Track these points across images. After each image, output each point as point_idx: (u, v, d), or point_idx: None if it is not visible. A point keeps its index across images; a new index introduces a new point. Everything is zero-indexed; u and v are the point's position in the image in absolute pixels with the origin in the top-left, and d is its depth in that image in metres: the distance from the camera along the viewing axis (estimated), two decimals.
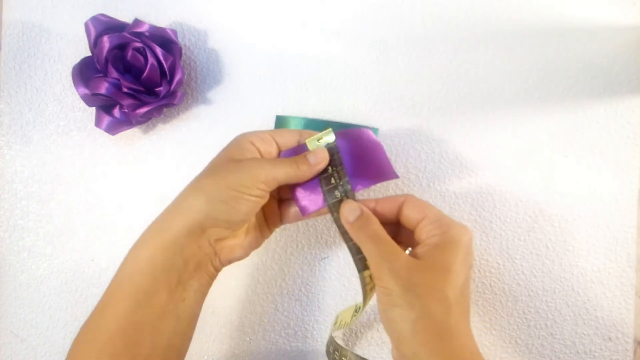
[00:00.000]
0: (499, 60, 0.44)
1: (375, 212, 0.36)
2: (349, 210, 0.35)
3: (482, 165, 0.44)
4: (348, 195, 0.36)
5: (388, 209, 0.36)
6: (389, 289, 0.32)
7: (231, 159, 0.35)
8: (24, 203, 0.46)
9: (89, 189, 0.46)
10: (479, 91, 0.45)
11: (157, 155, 0.46)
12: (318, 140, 0.37)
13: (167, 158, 0.46)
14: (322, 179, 0.36)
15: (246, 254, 0.38)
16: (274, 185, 0.35)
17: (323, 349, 0.45)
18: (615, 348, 0.43)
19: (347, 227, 0.35)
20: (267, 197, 0.35)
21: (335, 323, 0.42)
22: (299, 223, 0.45)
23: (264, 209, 0.38)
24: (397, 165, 0.45)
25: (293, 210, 0.39)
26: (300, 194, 0.37)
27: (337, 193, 0.36)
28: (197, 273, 0.35)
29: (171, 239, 0.33)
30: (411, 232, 0.36)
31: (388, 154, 0.45)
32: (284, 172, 0.35)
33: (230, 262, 0.37)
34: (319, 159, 0.36)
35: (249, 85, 0.45)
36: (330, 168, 0.36)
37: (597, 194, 0.44)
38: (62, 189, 0.46)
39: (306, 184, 0.37)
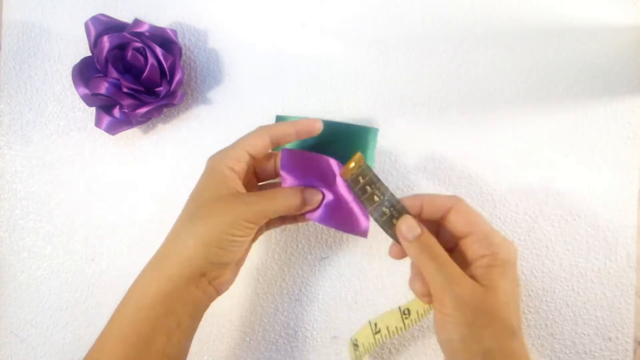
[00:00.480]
0: (499, 60, 0.44)
1: (421, 216, 0.35)
2: (407, 228, 0.34)
3: (482, 165, 0.44)
4: (397, 208, 0.35)
5: (433, 213, 0.35)
6: (451, 316, 0.31)
7: (219, 197, 0.34)
8: (24, 203, 0.46)
9: (89, 189, 0.46)
10: (479, 91, 0.45)
11: (157, 155, 0.46)
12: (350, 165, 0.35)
13: (167, 158, 0.46)
14: (364, 200, 0.35)
15: (236, 275, 0.39)
16: (264, 221, 0.35)
17: (323, 349, 0.45)
18: (615, 348, 0.43)
19: (404, 244, 0.34)
20: (257, 229, 0.35)
21: (356, 350, 0.40)
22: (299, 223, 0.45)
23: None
24: (397, 165, 0.45)
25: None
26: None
27: (385, 209, 0.35)
28: (195, 311, 0.35)
29: (171, 286, 0.33)
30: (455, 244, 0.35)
31: (388, 154, 0.45)
32: (276, 210, 0.35)
33: (225, 290, 0.38)
34: (314, 202, 0.36)
35: (249, 85, 0.45)
36: (369, 187, 0.35)
37: (597, 194, 0.44)
38: (62, 189, 0.46)
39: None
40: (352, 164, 0.35)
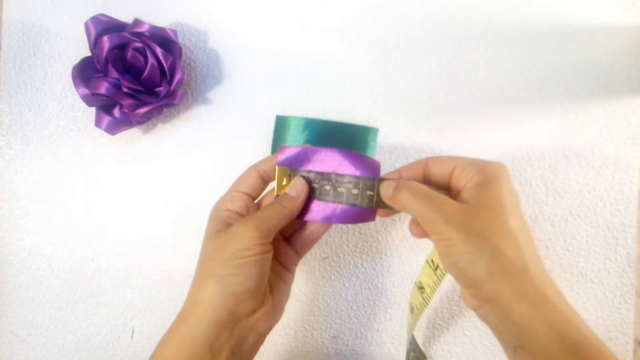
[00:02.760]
0: (499, 60, 0.44)
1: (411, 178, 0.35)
2: (385, 189, 0.34)
3: None
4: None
5: (414, 174, 0.35)
6: (450, 239, 0.31)
7: (218, 233, 0.34)
8: (24, 203, 0.46)
9: (89, 189, 0.46)
10: (479, 91, 0.45)
11: (157, 155, 0.46)
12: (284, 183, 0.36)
13: (167, 158, 0.46)
14: (318, 196, 0.36)
15: (281, 314, 0.36)
16: (270, 234, 0.34)
17: (323, 349, 0.45)
18: (615, 348, 0.43)
19: (391, 203, 0.34)
20: (270, 249, 0.34)
21: (423, 292, 0.39)
22: None
23: (276, 257, 0.36)
24: (397, 165, 0.45)
25: (305, 235, 0.38)
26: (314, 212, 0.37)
27: (352, 189, 0.35)
28: (234, 358, 0.33)
29: (196, 334, 0.32)
30: (447, 190, 0.35)
31: (388, 154, 0.45)
32: (272, 217, 0.34)
33: (269, 329, 0.35)
34: (299, 189, 0.35)
35: (249, 85, 0.45)
36: (318, 184, 0.36)
37: (597, 194, 0.44)
38: (62, 189, 0.46)
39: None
40: (284, 181, 0.36)
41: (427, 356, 0.39)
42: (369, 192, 0.35)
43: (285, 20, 0.45)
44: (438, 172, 0.34)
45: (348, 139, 0.44)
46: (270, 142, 0.45)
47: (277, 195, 0.36)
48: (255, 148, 0.45)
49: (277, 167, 0.36)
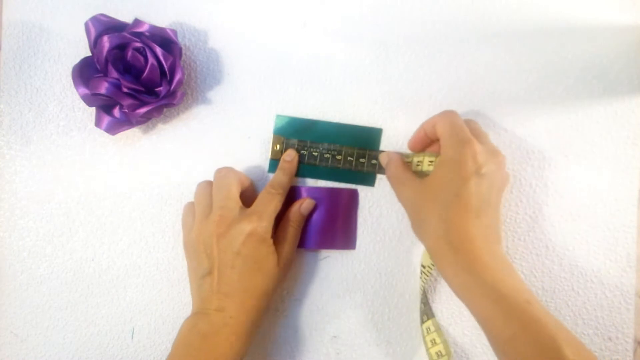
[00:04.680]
0: (499, 60, 0.44)
1: (425, 136, 0.41)
2: (382, 159, 0.44)
3: None
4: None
5: (430, 130, 0.41)
6: (405, 208, 0.41)
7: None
8: (24, 203, 0.46)
9: (89, 189, 0.46)
10: (479, 91, 0.45)
11: (157, 155, 0.46)
12: None
13: (167, 158, 0.46)
14: (307, 160, 0.44)
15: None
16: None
17: (322, 349, 0.45)
18: (615, 348, 0.43)
19: (384, 167, 0.44)
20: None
21: (422, 273, 0.43)
22: None
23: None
24: None
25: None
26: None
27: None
28: None
29: None
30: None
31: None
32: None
33: None
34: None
35: (249, 85, 0.45)
36: (306, 150, 0.44)
37: (597, 194, 0.44)
38: (62, 189, 0.46)
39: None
40: (277, 147, 0.44)
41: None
42: (349, 158, 0.44)
43: (285, 20, 0.45)
44: (436, 132, 0.40)
45: (349, 139, 0.44)
46: (270, 142, 0.45)
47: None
48: (255, 148, 0.45)
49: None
